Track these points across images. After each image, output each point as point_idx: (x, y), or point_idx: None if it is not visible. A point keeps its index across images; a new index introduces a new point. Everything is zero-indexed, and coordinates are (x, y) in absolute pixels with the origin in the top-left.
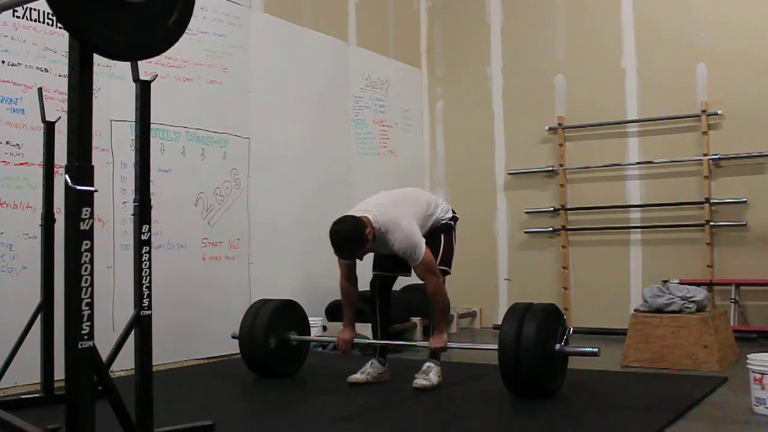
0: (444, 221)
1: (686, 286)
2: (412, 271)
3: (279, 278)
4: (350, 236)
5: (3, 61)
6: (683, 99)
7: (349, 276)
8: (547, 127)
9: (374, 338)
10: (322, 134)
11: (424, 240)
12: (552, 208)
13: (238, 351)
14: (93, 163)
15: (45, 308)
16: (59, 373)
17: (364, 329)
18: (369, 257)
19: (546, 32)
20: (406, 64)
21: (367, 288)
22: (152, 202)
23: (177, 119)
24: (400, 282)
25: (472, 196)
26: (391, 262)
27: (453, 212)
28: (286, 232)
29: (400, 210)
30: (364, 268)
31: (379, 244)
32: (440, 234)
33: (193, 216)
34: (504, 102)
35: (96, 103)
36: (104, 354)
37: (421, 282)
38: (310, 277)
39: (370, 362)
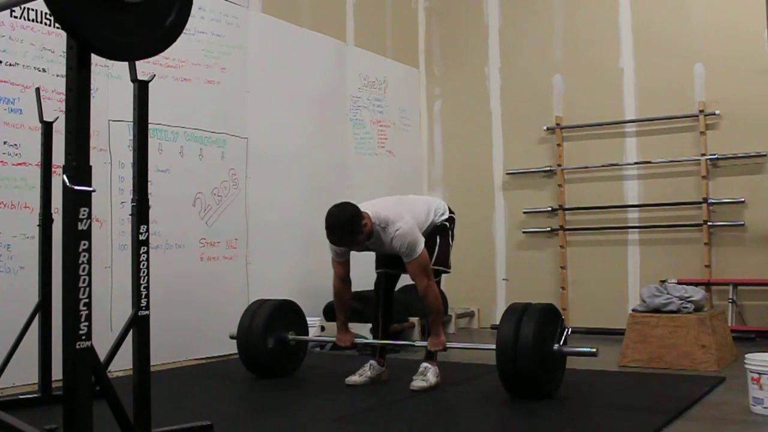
0: (439, 223)
1: (684, 286)
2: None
3: (277, 278)
4: (346, 220)
5: (1, 61)
6: (681, 99)
7: (344, 278)
8: (544, 127)
9: (374, 338)
10: (320, 134)
11: (423, 240)
12: (550, 208)
13: (236, 351)
14: (91, 163)
15: (43, 308)
16: (57, 373)
17: (360, 329)
18: (370, 258)
19: (544, 32)
20: (403, 64)
21: (360, 288)
22: (150, 202)
23: (175, 119)
24: (398, 282)
25: (470, 196)
26: (395, 260)
27: (450, 212)
28: (284, 232)
29: (399, 210)
30: (360, 269)
31: (376, 241)
32: (435, 236)
33: (191, 216)
34: (502, 102)
35: (94, 103)
36: (102, 354)
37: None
38: (308, 277)
39: (368, 364)
